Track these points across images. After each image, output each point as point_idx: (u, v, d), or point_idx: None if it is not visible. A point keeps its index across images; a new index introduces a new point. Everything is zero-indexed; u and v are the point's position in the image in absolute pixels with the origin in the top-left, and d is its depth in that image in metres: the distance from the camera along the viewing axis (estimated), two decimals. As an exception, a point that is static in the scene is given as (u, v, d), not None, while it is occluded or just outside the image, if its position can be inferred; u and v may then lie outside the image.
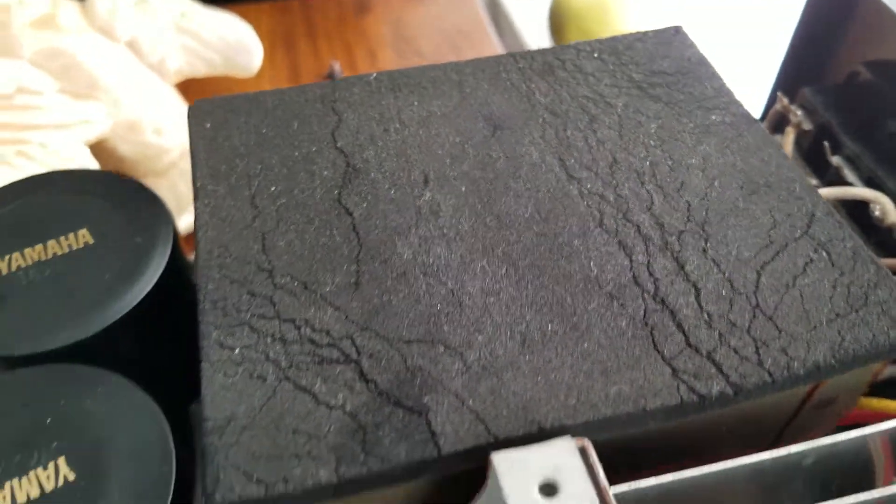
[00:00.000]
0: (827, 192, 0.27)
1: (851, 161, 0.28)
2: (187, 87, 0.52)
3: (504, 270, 0.21)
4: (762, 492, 0.21)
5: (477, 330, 0.20)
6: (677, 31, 0.29)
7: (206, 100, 0.26)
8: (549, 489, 0.16)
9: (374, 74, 0.27)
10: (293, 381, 0.18)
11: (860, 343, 0.19)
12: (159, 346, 0.24)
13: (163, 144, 0.48)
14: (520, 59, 0.28)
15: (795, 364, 0.19)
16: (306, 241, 0.22)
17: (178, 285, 0.24)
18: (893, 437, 0.21)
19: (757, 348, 0.19)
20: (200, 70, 0.49)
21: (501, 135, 0.25)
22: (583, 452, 0.17)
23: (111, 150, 0.47)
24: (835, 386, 0.22)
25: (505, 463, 0.16)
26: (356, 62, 0.62)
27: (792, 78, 0.32)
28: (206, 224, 0.22)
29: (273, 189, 0.23)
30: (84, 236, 0.24)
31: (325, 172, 0.24)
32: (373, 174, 0.24)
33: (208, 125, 0.25)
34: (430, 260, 0.21)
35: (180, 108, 0.50)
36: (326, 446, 0.17)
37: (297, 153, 0.24)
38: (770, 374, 0.19)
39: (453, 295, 0.20)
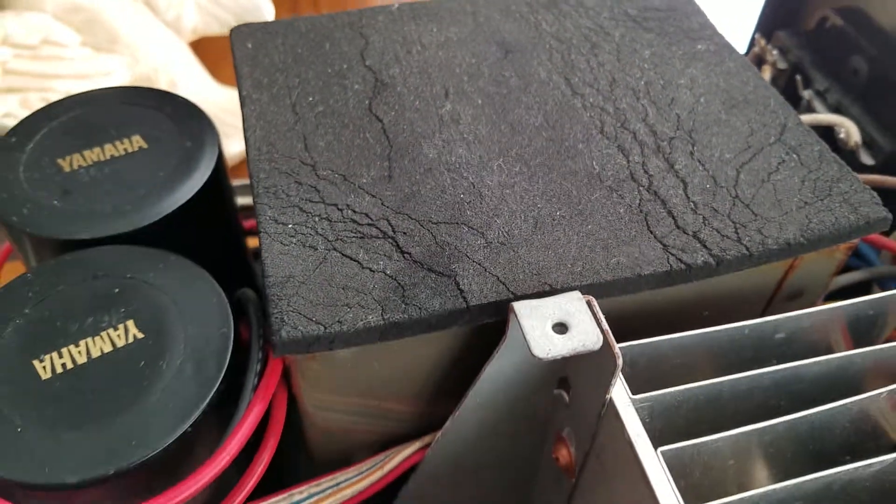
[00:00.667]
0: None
1: (820, 94, 0.31)
2: (199, 46, 0.54)
3: (518, 168, 0.24)
4: (739, 363, 0.24)
5: (495, 214, 0.23)
6: (668, -27, 0.32)
7: (246, 24, 0.29)
8: (560, 328, 0.19)
9: (397, 5, 0.30)
10: (339, 251, 0.21)
11: (825, 225, 0.22)
12: (208, 237, 0.27)
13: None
14: (525, -5, 0.31)
15: (769, 241, 0.22)
16: (343, 142, 0.24)
17: (224, 187, 0.27)
18: (850, 315, 0.24)
19: (736, 229, 0.22)
20: (214, 28, 0.52)
21: (513, 57, 0.28)
22: (588, 304, 0.20)
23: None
24: (802, 277, 0.25)
25: (524, 308, 0.19)
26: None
27: (770, 22, 0.35)
28: (254, 126, 0.25)
29: (311, 99, 0.26)
30: (138, 141, 0.26)
31: (357, 86, 0.26)
32: (399, 88, 0.26)
33: (249, 45, 0.28)
34: (453, 159, 0.24)
35: (194, 63, 0.52)
36: (373, 298, 0.20)
37: (329, 70, 0.27)
38: (747, 249, 0.22)
39: (474, 187, 0.23)
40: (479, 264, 0.21)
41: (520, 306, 0.20)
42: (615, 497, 0.20)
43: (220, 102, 0.52)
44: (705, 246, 0.22)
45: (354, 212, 0.22)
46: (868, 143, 0.29)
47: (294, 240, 0.22)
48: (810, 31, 0.33)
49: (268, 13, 0.52)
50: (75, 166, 0.25)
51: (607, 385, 0.20)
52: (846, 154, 0.29)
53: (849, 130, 0.29)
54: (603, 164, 0.24)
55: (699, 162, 0.24)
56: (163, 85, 0.49)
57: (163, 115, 0.27)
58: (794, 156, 0.24)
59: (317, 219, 0.22)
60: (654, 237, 0.22)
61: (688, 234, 0.22)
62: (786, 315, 0.23)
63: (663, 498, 0.17)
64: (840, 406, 0.20)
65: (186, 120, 0.27)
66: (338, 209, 0.23)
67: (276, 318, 0.19)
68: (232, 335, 0.22)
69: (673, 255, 0.22)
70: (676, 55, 0.28)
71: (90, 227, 0.24)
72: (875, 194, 0.23)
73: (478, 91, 0.26)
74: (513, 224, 0.22)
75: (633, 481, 0.18)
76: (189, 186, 0.25)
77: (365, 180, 0.23)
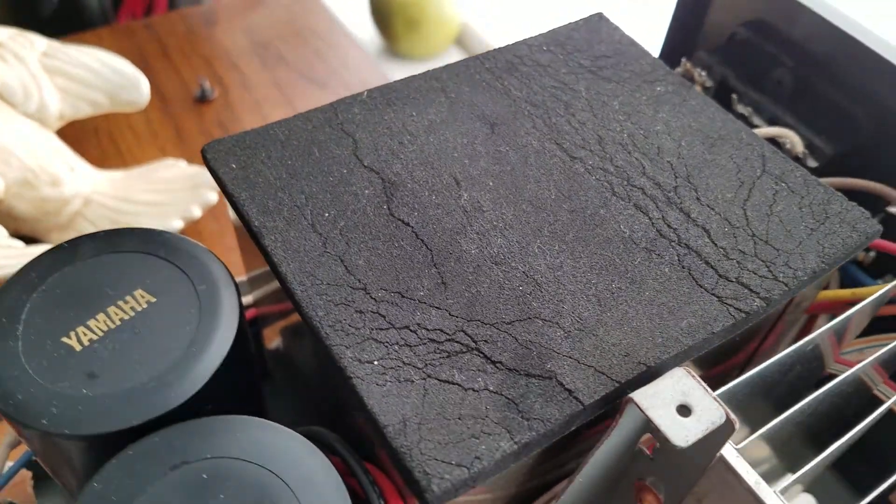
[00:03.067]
0: (743, 135, 0.33)
1: (754, 107, 0.34)
2: (65, 131, 0.49)
3: (557, 247, 0.25)
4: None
5: (560, 300, 0.23)
6: (600, 17, 0.34)
7: (216, 141, 0.27)
8: (684, 410, 0.20)
9: (366, 93, 0.29)
10: (435, 377, 0.21)
11: (836, 247, 0.25)
12: (242, 376, 0.25)
13: (63, 195, 0.45)
14: (485, 61, 0.31)
15: (799, 272, 0.24)
16: (382, 256, 0.24)
17: (244, 317, 0.25)
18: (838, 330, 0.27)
19: (768, 267, 0.24)
20: (85, 111, 0.47)
21: (500, 130, 0.28)
22: (695, 379, 0.21)
23: (8, 212, 0.44)
24: (804, 295, 0.28)
25: (645, 399, 0.20)
26: (222, 76, 0.61)
27: (678, 44, 0.38)
28: (285, 258, 0.23)
29: (327, 215, 0.25)
30: (143, 296, 0.24)
31: (367, 191, 0.26)
32: (409, 185, 0.26)
33: (234, 165, 0.26)
34: (495, 250, 0.24)
35: (69, 153, 0.47)
36: (493, 422, 0.20)
37: (331, 178, 0.26)
38: (785, 284, 0.24)
39: (527, 276, 0.24)
40: (571, 357, 0.22)
41: (640, 397, 0.20)
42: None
43: (109, 191, 0.47)
44: (751, 290, 0.24)
45: (428, 330, 0.22)
46: (809, 148, 0.32)
47: (387, 377, 0.21)
48: (726, 47, 0.36)
49: (144, 86, 0.48)
50: (86, 342, 0.23)
51: (720, 446, 0.21)
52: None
53: (792, 140, 0.32)
54: (631, 227, 0.25)
55: (709, 207, 0.26)
56: (44, 186, 0.44)
57: (154, 258, 0.25)
58: (784, 184, 0.27)
59: (396, 347, 0.21)
60: (706, 291, 0.24)
61: (732, 282, 0.24)
62: (818, 331, 0.25)
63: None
64: None
65: (184, 258, 0.25)
66: (411, 331, 0.22)
67: (419, 472, 0.19)
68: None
69: (730, 305, 0.23)
70: (642, 101, 0.30)
71: (137, 411, 0.21)
72: (864, 210, 0.26)
73: (484, 173, 0.27)
74: (579, 307, 0.23)
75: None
76: (223, 336, 0.23)
77: (422, 293, 0.23)
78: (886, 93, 0.31)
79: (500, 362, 0.21)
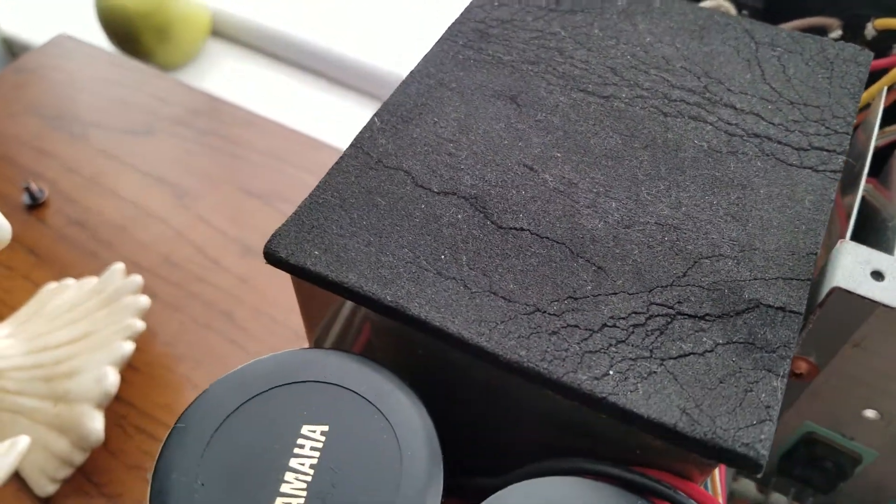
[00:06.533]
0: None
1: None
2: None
3: (662, 186, 0.24)
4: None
5: (705, 233, 0.23)
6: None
7: (275, 236, 0.23)
8: (877, 276, 0.22)
9: (376, 119, 0.26)
10: (669, 357, 0.20)
11: (855, 84, 0.27)
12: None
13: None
14: (456, 38, 0.29)
15: (848, 117, 0.26)
16: (526, 270, 0.22)
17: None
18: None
19: (824, 124, 0.26)
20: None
21: (523, 100, 0.27)
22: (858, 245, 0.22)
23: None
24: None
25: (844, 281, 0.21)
26: (41, 171, 0.52)
27: None
28: (444, 318, 0.21)
29: (443, 257, 0.23)
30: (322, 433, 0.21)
31: (460, 216, 0.24)
32: (493, 192, 0.24)
33: (316, 253, 0.23)
34: (616, 216, 0.24)
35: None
36: (749, 369, 0.20)
37: (416, 220, 0.23)
38: (846, 133, 0.26)
39: (661, 225, 0.23)
40: (756, 279, 0.22)
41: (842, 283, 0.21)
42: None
43: (13, 352, 0.40)
44: (827, 150, 0.25)
45: (625, 318, 0.21)
46: (739, 5, 0.34)
47: (631, 380, 0.20)
48: None
49: (7, 231, 0.40)
50: (297, 510, 0.19)
51: None
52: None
53: (726, 6, 0.34)
54: (703, 138, 0.26)
55: (742, 93, 0.27)
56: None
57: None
58: (780, 48, 0.29)
59: (613, 349, 0.21)
60: (799, 167, 0.25)
61: (808, 150, 0.26)
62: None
63: None
64: None
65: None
66: (610, 327, 0.21)
67: (739, 447, 0.19)
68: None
69: (823, 171, 0.25)
70: (616, 20, 0.30)
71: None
72: (851, 44, 0.29)
73: (546, 148, 0.26)
74: (724, 230, 0.23)
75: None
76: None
77: (589, 286, 0.22)
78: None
79: (708, 314, 0.21)
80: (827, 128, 0.26)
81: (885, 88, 0.30)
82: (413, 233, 0.23)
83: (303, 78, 0.93)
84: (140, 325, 0.40)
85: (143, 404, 0.41)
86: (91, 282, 0.43)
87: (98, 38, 0.90)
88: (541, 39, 0.29)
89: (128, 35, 0.94)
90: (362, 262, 0.22)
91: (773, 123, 0.26)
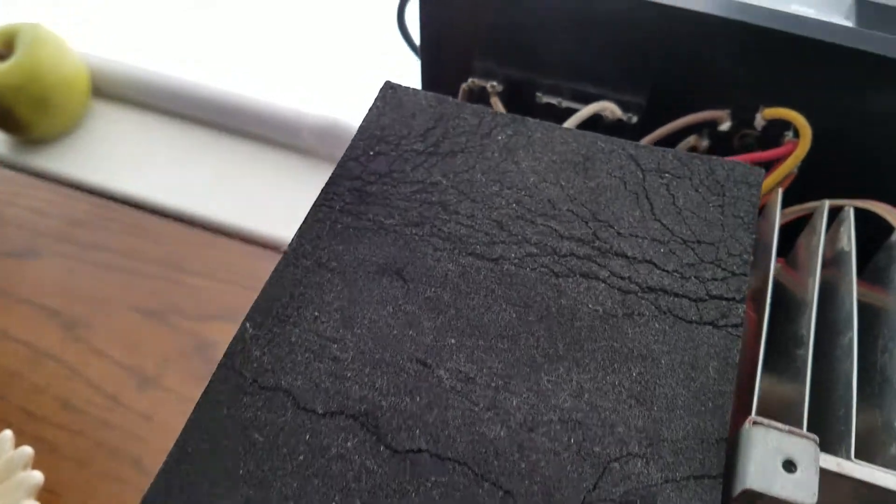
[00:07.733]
0: (568, 123, 0.33)
1: (556, 92, 0.34)
2: None
3: (561, 370, 0.23)
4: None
5: (611, 426, 0.22)
6: (391, 87, 0.31)
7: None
8: (789, 466, 0.21)
9: (248, 325, 0.24)
10: None
11: (749, 211, 0.27)
12: None
13: None
14: (332, 203, 0.27)
15: (744, 255, 0.26)
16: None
17: None
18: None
19: (719, 265, 0.25)
20: None
21: (410, 274, 0.25)
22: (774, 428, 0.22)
23: None
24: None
25: (756, 482, 0.20)
26: None
27: (450, 70, 0.36)
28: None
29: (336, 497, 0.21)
30: None
31: (349, 444, 0.22)
32: (383, 402, 0.22)
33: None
34: (518, 416, 0.22)
35: None
36: None
37: (300, 457, 0.21)
38: (742, 273, 0.25)
39: (565, 422, 0.22)
40: (668, 481, 0.21)
41: (754, 485, 0.20)
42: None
43: None
44: (725, 298, 0.25)
45: None
46: (625, 107, 0.33)
47: None
48: (492, 48, 0.35)
49: None
50: None
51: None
52: (615, 126, 0.34)
53: (609, 108, 0.33)
54: (596, 300, 0.25)
55: (632, 236, 0.26)
56: None
57: None
58: (667, 174, 0.28)
59: None
60: (699, 324, 0.24)
61: (707, 300, 0.25)
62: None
63: None
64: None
65: None
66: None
67: None
68: None
69: (724, 326, 0.24)
70: (497, 159, 0.28)
71: None
72: (740, 163, 0.28)
73: (437, 334, 0.24)
74: (630, 419, 0.22)
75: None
76: None
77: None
78: (658, 27, 0.32)
79: None
80: (723, 269, 0.25)
81: (780, 191, 0.29)
82: (298, 477, 0.21)
83: (196, 131, 0.88)
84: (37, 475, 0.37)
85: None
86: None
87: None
88: (423, 193, 0.27)
89: (1, 111, 0.87)
90: (248, 526, 0.20)
91: (667, 271, 0.25)
